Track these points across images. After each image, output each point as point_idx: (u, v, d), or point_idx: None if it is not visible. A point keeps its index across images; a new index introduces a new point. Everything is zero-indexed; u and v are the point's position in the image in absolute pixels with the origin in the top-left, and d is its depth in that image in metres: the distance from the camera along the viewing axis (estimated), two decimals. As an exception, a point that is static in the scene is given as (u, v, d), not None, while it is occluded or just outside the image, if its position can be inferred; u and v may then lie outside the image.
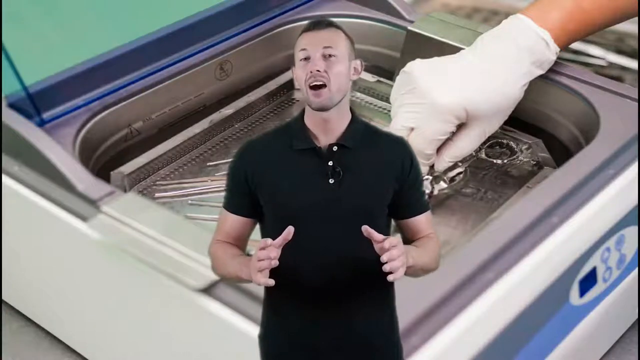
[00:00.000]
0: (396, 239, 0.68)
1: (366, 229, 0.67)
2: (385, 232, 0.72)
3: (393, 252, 0.67)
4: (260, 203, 0.72)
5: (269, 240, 0.67)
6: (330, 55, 0.70)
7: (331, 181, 0.70)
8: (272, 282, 0.67)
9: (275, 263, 0.66)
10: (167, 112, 1.16)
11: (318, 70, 0.69)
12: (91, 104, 1.08)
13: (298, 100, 1.27)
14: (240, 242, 0.73)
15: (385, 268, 0.66)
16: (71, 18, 1.16)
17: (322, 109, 0.69)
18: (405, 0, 1.26)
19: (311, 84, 0.69)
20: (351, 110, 0.72)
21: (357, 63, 0.72)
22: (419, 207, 0.73)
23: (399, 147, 0.72)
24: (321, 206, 0.70)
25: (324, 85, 0.69)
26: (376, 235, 0.67)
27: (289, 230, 0.67)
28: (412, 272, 0.71)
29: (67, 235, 0.95)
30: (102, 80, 1.09)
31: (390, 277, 0.67)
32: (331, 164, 0.70)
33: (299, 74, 0.70)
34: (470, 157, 1.13)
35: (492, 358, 0.85)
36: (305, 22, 1.21)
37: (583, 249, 0.93)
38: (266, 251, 0.66)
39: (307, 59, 0.70)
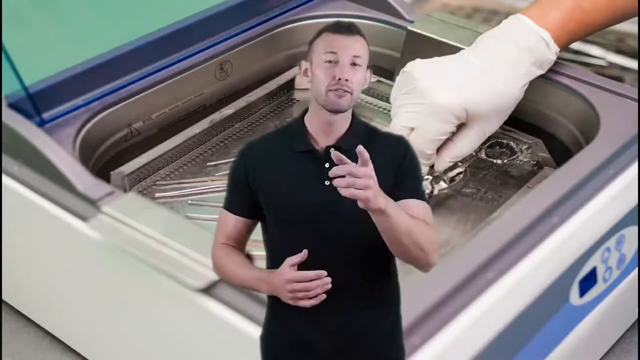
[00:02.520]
0: (365, 167, 0.65)
1: (334, 152, 0.65)
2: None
3: (354, 170, 0.65)
4: (260, 203, 0.72)
5: (305, 275, 0.68)
6: (356, 64, 0.70)
7: (327, 183, 0.69)
8: (315, 301, 0.68)
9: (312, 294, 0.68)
10: (167, 112, 1.16)
11: (346, 79, 0.69)
12: (91, 104, 1.08)
13: (298, 100, 1.27)
14: (241, 243, 0.74)
15: (340, 183, 0.65)
16: (71, 18, 1.16)
17: (338, 111, 0.70)
18: (405, 0, 1.26)
19: (336, 89, 0.69)
20: (352, 112, 0.72)
21: (368, 73, 0.72)
22: (412, 192, 0.72)
23: (396, 144, 0.72)
24: (318, 208, 0.70)
25: (347, 92, 0.69)
26: (346, 161, 0.65)
27: (304, 254, 0.68)
28: (389, 226, 0.67)
29: (67, 235, 0.95)
30: (102, 80, 1.09)
31: (343, 192, 0.65)
32: (328, 166, 0.70)
33: (321, 74, 0.70)
34: (470, 157, 1.13)
35: (492, 358, 0.85)
36: (306, 22, 1.24)
37: (583, 249, 0.93)
38: (303, 285, 0.68)
39: (333, 62, 0.70)
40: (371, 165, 0.66)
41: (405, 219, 0.68)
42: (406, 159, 0.72)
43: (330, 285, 0.68)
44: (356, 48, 0.70)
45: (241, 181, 0.72)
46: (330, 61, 0.70)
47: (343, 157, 0.65)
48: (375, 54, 1.24)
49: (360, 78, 0.70)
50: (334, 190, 0.69)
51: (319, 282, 0.68)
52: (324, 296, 0.68)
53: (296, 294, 0.68)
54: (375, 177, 0.66)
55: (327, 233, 0.69)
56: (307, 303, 0.68)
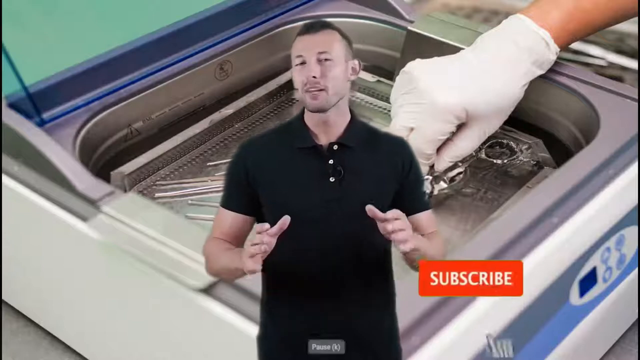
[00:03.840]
0: (399, 212, 0.67)
1: (370, 208, 0.67)
2: None
3: (396, 223, 0.67)
4: (259, 201, 0.71)
5: (266, 225, 0.66)
6: (325, 60, 0.70)
7: (332, 180, 0.70)
8: (259, 268, 0.66)
9: (266, 249, 0.66)
10: (167, 112, 1.16)
11: (314, 77, 0.69)
12: (91, 104, 1.08)
13: (298, 100, 1.26)
14: (237, 241, 0.73)
15: (393, 238, 0.67)
16: (71, 18, 1.16)
17: (319, 110, 0.70)
18: (405, 0, 1.26)
19: (308, 90, 0.69)
20: (350, 110, 0.72)
21: (355, 63, 0.72)
22: (419, 205, 0.73)
23: (398, 147, 0.73)
24: (321, 205, 0.69)
25: (320, 89, 0.69)
26: (379, 214, 0.67)
27: (285, 220, 0.66)
28: (416, 255, 0.70)
29: (67, 235, 0.95)
30: (102, 80, 1.09)
31: (400, 247, 0.67)
32: (332, 163, 0.70)
33: (297, 78, 0.70)
34: (470, 157, 1.13)
35: (492, 358, 0.85)
36: (305, 22, 1.23)
37: (583, 249, 0.93)
38: (261, 235, 0.66)
39: (303, 63, 0.70)
40: (404, 219, 0.67)
41: (428, 249, 0.70)
42: (412, 168, 0.72)
43: (267, 248, 0.66)
44: (321, 43, 0.70)
45: (240, 178, 0.72)
46: (300, 63, 0.70)
47: (377, 211, 0.67)
48: (375, 54, 1.25)
49: (336, 73, 0.70)
50: (338, 187, 0.69)
51: (259, 237, 0.66)
52: (259, 267, 0.66)
53: (250, 249, 0.66)
54: (409, 225, 0.68)
55: (328, 230, 0.69)
56: (249, 264, 0.66)
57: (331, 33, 0.71)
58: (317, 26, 0.71)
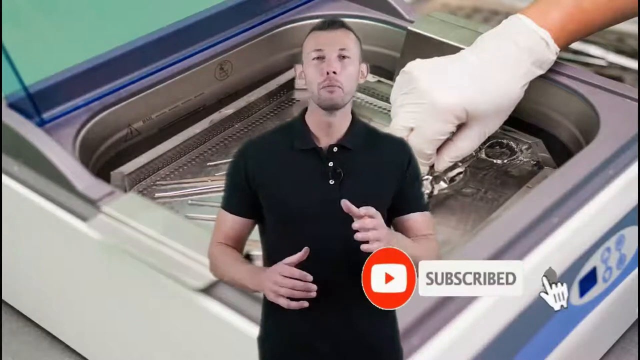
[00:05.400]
0: (374, 210, 0.67)
1: (344, 202, 0.66)
2: None
3: (366, 221, 0.66)
4: (260, 203, 0.71)
5: (294, 270, 0.67)
6: (344, 57, 0.70)
7: (331, 182, 0.70)
8: (291, 304, 0.67)
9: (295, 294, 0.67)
10: (167, 112, 1.16)
11: (334, 72, 0.69)
12: (91, 104, 1.08)
13: (298, 100, 1.27)
14: (238, 243, 0.73)
15: (357, 236, 0.66)
16: (71, 18, 1.16)
17: (333, 107, 0.69)
18: (405, 0, 1.26)
19: (325, 86, 0.69)
20: (352, 112, 0.72)
21: (364, 67, 0.72)
22: (415, 205, 0.73)
23: (399, 148, 0.73)
24: (321, 207, 0.69)
25: (338, 86, 0.69)
26: (355, 210, 0.66)
27: (305, 251, 0.67)
28: None
29: (67, 235, 0.95)
30: (102, 80, 1.09)
31: (363, 247, 0.66)
32: (332, 165, 0.70)
33: (311, 73, 0.70)
34: (470, 157, 1.13)
35: (492, 358, 0.85)
36: (306, 22, 1.24)
37: (583, 249, 0.93)
38: (291, 282, 0.66)
39: (320, 58, 0.70)
40: (378, 218, 0.66)
41: (409, 249, 0.69)
42: (410, 167, 0.72)
43: (314, 294, 0.67)
44: (342, 41, 0.70)
45: (240, 180, 0.72)
46: (317, 58, 0.70)
47: (352, 207, 0.66)
48: (375, 54, 1.25)
49: (352, 71, 0.70)
50: (337, 189, 0.69)
51: (302, 285, 0.67)
52: (307, 304, 0.67)
53: (279, 289, 0.67)
54: (384, 225, 0.67)
55: (328, 232, 0.69)
56: (284, 302, 0.67)
57: (349, 32, 0.72)
58: (337, 24, 0.71)
